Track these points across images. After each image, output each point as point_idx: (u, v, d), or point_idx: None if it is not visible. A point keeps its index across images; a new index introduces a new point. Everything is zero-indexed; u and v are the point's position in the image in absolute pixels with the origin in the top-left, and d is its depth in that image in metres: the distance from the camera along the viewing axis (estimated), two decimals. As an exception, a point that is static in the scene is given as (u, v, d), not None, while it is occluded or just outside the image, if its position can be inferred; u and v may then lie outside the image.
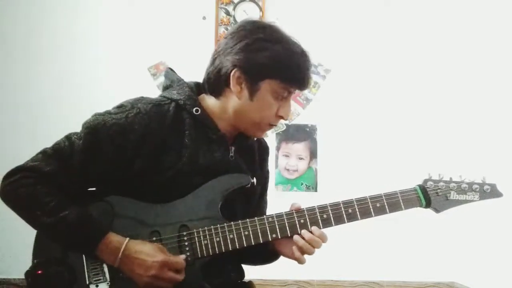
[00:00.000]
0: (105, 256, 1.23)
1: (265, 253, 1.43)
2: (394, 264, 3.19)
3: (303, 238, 1.31)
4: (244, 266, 1.50)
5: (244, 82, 1.30)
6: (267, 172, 1.59)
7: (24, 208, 1.24)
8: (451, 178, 1.37)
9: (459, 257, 3.13)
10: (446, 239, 3.18)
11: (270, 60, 1.28)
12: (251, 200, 1.46)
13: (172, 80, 1.42)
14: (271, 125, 1.37)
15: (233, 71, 1.30)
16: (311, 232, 1.31)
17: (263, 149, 1.56)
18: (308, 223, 1.32)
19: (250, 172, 1.41)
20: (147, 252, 1.22)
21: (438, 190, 1.36)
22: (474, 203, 1.40)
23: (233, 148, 1.39)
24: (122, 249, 1.21)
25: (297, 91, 1.39)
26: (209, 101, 1.38)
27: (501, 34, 3.05)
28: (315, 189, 3.27)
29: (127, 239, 1.23)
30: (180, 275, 1.24)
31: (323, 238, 1.31)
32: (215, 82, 1.35)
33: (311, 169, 3.29)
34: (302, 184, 3.28)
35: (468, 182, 1.37)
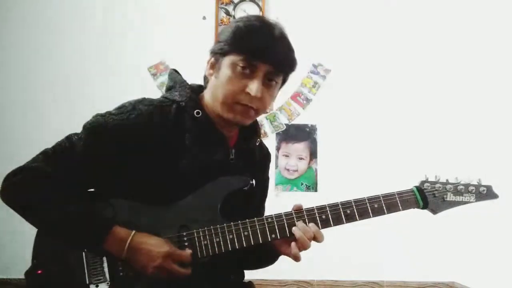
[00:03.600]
0: (112, 248, 1.23)
1: (263, 253, 1.43)
2: (394, 264, 3.20)
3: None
4: (243, 266, 1.50)
5: (215, 65, 1.33)
6: (267, 179, 1.59)
7: (28, 207, 1.24)
8: (447, 180, 1.38)
9: (459, 257, 3.14)
10: (446, 239, 3.18)
11: (229, 36, 1.30)
12: (251, 203, 1.45)
13: (174, 81, 1.41)
14: (242, 105, 1.29)
15: (209, 58, 1.36)
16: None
17: (265, 156, 1.56)
18: (307, 223, 1.31)
19: (250, 175, 1.41)
20: (153, 243, 1.23)
21: (435, 192, 1.37)
22: (472, 204, 1.40)
23: (233, 150, 1.39)
24: (128, 241, 1.21)
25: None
26: (206, 99, 1.38)
27: (500, 34, 3.05)
28: (315, 189, 3.27)
29: (133, 231, 1.23)
30: (185, 269, 1.24)
31: (318, 233, 1.30)
32: (204, 75, 1.40)
33: (311, 169, 3.30)
34: (302, 184, 3.29)
35: (464, 184, 1.38)
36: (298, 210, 1.33)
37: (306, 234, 1.28)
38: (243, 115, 1.31)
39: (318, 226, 1.31)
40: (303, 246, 1.29)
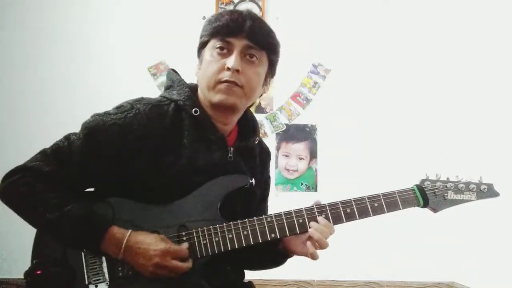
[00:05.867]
0: (109, 249, 1.22)
1: (275, 254, 1.43)
2: (394, 264, 3.19)
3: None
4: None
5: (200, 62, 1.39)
6: (268, 177, 1.58)
7: (26, 207, 1.23)
8: (448, 178, 1.38)
9: (459, 257, 3.14)
10: (446, 239, 3.18)
11: (204, 28, 1.37)
12: (251, 202, 1.45)
13: (173, 81, 1.42)
14: (225, 82, 1.31)
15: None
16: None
17: (265, 154, 1.56)
18: (307, 223, 1.32)
19: (250, 173, 1.41)
20: (149, 242, 1.22)
21: (436, 190, 1.37)
22: (473, 203, 1.40)
23: (232, 149, 1.38)
24: (125, 241, 1.21)
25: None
26: (199, 95, 1.39)
27: (498, 33, 3.05)
28: (315, 189, 3.27)
29: (130, 230, 1.23)
30: (184, 264, 1.23)
31: (330, 228, 1.31)
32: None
33: (311, 169, 3.30)
34: (302, 184, 3.28)
35: (465, 182, 1.38)
36: (298, 210, 1.33)
37: (323, 234, 1.29)
38: (228, 92, 1.32)
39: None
40: (321, 247, 1.30)
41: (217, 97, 1.32)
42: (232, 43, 1.31)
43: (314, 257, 1.31)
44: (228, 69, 1.30)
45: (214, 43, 1.33)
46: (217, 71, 1.31)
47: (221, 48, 1.32)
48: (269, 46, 1.37)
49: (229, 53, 1.31)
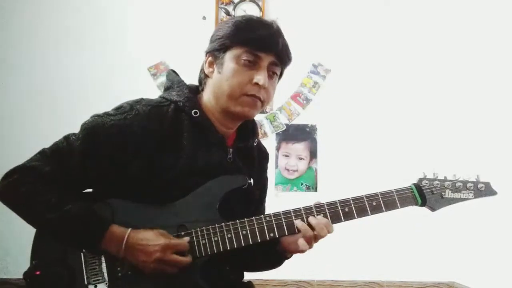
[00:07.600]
0: (109, 247, 1.22)
1: (273, 255, 1.43)
2: (394, 264, 3.20)
3: (309, 225, 1.30)
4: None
5: (214, 63, 1.36)
6: (266, 179, 1.59)
7: (25, 207, 1.23)
8: (445, 177, 1.38)
9: (459, 257, 3.14)
10: (446, 239, 3.18)
11: (228, 30, 1.34)
12: (250, 202, 1.45)
13: (172, 82, 1.42)
14: (250, 95, 1.32)
15: (205, 58, 1.39)
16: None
17: (263, 156, 1.57)
18: (306, 222, 1.32)
19: (248, 174, 1.41)
20: (149, 238, 1.22)
21: (433, 189, 1.37)
22: (472, 203, 1.40)
23: (231, 150, 1.39)
24: (125, 239, 1.21)
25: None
26: (204, 99, 1.39)
27: (498, 33, 3.05)
28: (315, 189, 3.27)
29: (130, 229, 1.23)
30: (185, 258, 1.24)
31: (328, 226, 1.30)
32: (199, 77, 1.42)
33: (311, 169, 3.30)
34: (302, 184, 3.28)
35: (462, 181, 1.38)
36: (297, 209, 1.33)
37: (320, 231, 1.29)
38: (251, 106, 1.33)
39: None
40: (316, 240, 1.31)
41: (238, 108, 1.33)
42: (261, 58, 1.31)
43: (303, 250, 1.31)
44: (256, 84, 1.30)
45: (241, 53, 1.31)
46: (244, 83, 1.31)
47: (248, 59, 1.31)
48: (288, 62, 1.40)
49: (256, 66, 1.31)
